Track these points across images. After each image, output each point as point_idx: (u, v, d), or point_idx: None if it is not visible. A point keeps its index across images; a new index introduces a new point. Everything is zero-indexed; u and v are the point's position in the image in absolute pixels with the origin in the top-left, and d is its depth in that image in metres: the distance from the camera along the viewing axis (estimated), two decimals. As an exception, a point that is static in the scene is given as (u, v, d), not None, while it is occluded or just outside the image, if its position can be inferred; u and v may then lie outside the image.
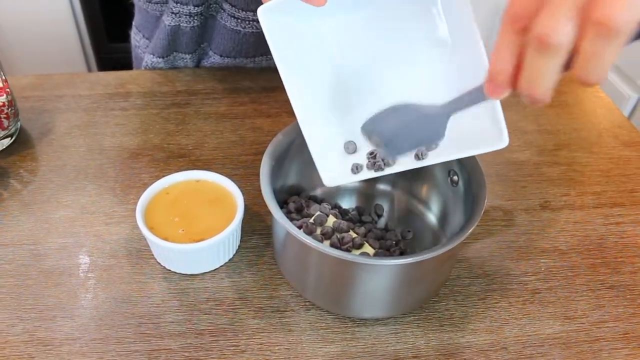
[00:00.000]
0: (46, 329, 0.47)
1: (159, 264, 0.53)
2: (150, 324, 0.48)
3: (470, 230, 0.43)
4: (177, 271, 0.52)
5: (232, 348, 0.46)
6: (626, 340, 0.48)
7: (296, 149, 0.52)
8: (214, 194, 0.54)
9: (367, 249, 0.48)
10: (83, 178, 0.61)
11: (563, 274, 0.53)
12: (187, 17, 0.70)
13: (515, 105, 0.74)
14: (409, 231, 0.55)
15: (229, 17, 0.71)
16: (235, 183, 0.54)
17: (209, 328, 0.48)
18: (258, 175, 0.47)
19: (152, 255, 0.53)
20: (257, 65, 0.78)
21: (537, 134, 0.70)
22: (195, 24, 0.72)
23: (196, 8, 0.70)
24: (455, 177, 0.50)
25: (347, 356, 0.46)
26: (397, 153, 0.43)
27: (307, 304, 0.50)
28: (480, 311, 0.50)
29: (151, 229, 0.50)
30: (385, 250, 0.50)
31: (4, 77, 0.63)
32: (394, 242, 0.52)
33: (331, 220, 0.49)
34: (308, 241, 0.41)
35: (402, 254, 0.51)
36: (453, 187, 0.51)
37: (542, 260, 0.55)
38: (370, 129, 0.42)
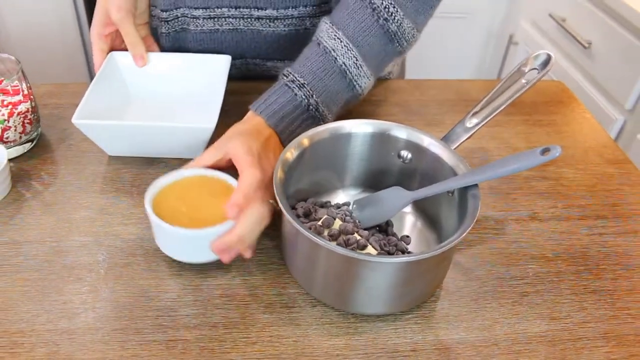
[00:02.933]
0: (69, 320, 0.51)
1: (175, 262, 0.56)
2: (167, 317, 0.51)
3: (464, 233, 0.47)
4: (182, 260, 0.55)
5: (244, 340, 0.50)
6: (606, 339, 0.52)
7: (306, 160, 0.56)
8: (223, 188, 0.56)
9: (370, 250, 0.52)
10: (101, 181, 0.65)
11: (549, 279, 0.58)
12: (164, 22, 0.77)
13: (507, 124, 0.79)
14: (407, 236, 0.59)
15: (205, 19, 0.75)
16: None
17: (222, 321, 0.51)
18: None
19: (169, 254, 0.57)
20: (252, 71, 0.82)
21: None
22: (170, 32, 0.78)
23: (164, 13, 0.76)
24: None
25: (349, 349, 0.50)
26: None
27: (313, 300, 0.54)
28: (473, 311, 0.54)
29: (158, 216, 0.52)
30: (386, 252, 0.54)
31: (28, 85, 0.67)
32: (394, 245, 0.56)
33: (338, 224, 0.53)
34: (317, 240, 0.45)
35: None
36: (449, 197, 0.55)
37: (530, 266, 0.59)
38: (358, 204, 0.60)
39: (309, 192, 0.61)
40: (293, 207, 0.59)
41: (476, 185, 0.52)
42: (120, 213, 0.61)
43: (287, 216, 0.48)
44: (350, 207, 0.60)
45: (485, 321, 0.53)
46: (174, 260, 0.56)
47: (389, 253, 0.55)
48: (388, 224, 0.59)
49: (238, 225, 0.51)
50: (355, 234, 0.52)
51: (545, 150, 0.49)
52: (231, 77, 0.74)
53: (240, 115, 0.76)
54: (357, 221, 0.57)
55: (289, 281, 0.55)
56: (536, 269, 0.59)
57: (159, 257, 0.57)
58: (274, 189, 0.50)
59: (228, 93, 0.81)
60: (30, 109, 0.67)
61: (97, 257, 0.56)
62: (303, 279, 0.53)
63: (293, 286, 0.55)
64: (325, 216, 0.53)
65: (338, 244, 0.51)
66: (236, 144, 0.55)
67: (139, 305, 0.52)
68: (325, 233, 0.52)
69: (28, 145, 0.69)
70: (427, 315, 0.53)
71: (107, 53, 0.72)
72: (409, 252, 0.56)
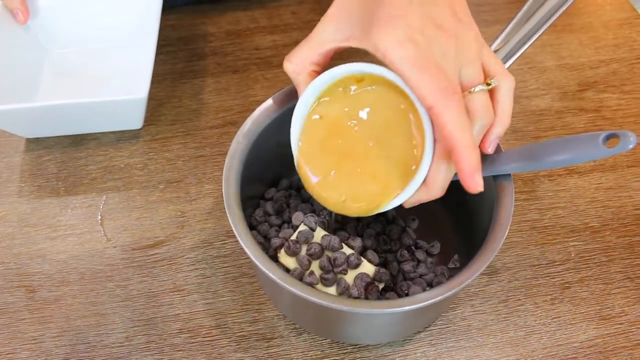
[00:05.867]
0: (-10, 389, 0.40)
1: (119, 287, 0.44)
2: (114, 370, 0.41)
3: (489, 260, 0.34)
4: None
5: (213, 395, 0.39)
6: (674, 342, 0.41)
7: (273, 129, 0.41)
8: (396, 98, 0.33)
9: (366, 267, 0.39)
10: (18, 178, 0.51)
11: (596, 260, 0.45)
12: None
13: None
14: (413, 219, 0.46)
15: None
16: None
17: (184, 370, 0.40)
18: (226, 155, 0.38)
19: (108, 277, 0.44)
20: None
21: (557, 71, 0.58)
22: None
23: None
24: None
25: (349, 391, 0.40)
26: None
27: (297, 326, 0.42)
28: (502, 318, 0.43)
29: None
30: (388, 252, 0.42)
31: None
32: (397, 240, 0.43)
33: (319, 235, 0.39)
34: (284, 285, 0.33)
35: (404, 263, 0.42)
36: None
37: (572, 244, 0.46)
38: None
39: (280, 167, 0.46)
40: (262, 197, 0.45)
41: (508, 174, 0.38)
42: (45, 222, 0.48)
43: (244, 248, 0.34)
44: None
45: (518, 331, 0.42)
46: (119, 285, 0.44)
47: (391, 251, 0.43)
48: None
49: (439, 164, 0.33)
50: (344, 248, 0.39)
51: (610, 137, 0.33)
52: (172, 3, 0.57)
53: (189, 59, 0.60)
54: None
55: (264, 300, 0.43)
56: (579, 246, 0.46)
57: (97, 282, 0.44)
58: (224, 196, 0.36)
59: (169, 29, 0.64)
60: None
61: (19, 293, 0.44)
62: (281, 309, 0.41)
63: (270, 307, 0.43)
64: (302, 227, 0.40)
65: (321, 266, 0.38)
66: (385, 33, 0.30)
67: (77, 359, 0.41)
68: (303, 251, 0.39)
69: None
70: (444, 331, 0.42)
71: None
72: (416, 246, 0.43)
